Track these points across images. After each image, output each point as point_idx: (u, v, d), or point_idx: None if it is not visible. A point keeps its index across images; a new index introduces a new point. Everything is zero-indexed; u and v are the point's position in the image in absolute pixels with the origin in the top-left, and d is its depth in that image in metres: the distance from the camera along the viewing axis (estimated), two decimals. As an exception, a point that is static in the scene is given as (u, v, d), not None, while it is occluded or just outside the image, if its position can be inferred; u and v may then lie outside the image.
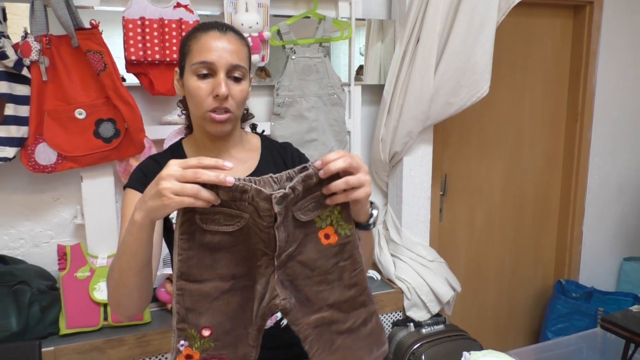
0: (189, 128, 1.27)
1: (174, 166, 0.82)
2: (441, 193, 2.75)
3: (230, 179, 0.82)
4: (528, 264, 3.16)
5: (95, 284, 1.87)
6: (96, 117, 1.83)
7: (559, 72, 3.03)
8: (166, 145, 1.95)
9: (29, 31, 1.71)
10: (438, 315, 2.27)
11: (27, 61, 1.71)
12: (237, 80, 1.11)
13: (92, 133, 1.84)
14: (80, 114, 1.81)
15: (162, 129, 1.99)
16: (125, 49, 1.83)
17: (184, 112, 1.26)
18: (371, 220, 1.03)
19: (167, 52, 1.86)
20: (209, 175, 0.81)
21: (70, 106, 1.80)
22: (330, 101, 2.19)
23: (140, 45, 1.83)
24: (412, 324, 2.18)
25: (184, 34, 1.87)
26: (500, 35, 2.16)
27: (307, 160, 1.30)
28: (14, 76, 1.71)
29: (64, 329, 1.80)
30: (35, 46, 1.70)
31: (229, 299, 0.92)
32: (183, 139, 1.28)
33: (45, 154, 1.81)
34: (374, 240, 1.11)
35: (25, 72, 1.72)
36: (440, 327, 2.18)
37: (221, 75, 1.08)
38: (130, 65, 1.86)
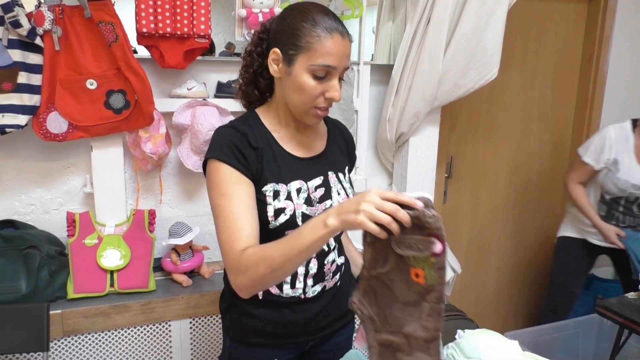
0: (262, 98, 1.27)
1: (375, 195, 0.90)
2: (446, 175, 2.77)
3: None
4: (530, 249, 3.18)
5: (103, 251, 1.92)
6: (107, 88, 1.86)
7: (571, 58, 3.01)
8: (176, 119, 1.98)
9: (42, 0, 1.73)
10: (437, 295, 2.30)
11: (40, 30, 1.73)
12: (340, 79, 1.16)
13: (103, 104, 1.87)
14: (91, 84, 1.84)
15: (171, 101, 2.01)
16: (137, 21, 1.84)
17: (246, 73, 1.24)
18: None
19: (178, 25, 1.87)
20: (403, 216, 0.87)
21: (82, 76, 1.82)
22: (339, 80, 2.19)
23: (151, 17, 1.84)
24: (410, 303, 2.21)
25: (195, 7, 1.87)
26: (512, 18, 2.15)
27: (353, 143, 1.45)
28: (27, 45, 1.74)
29: (71, 294, 1.85)
30: (48, 15, 1.72)
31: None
32: (257, 109, 1.27)
33: (56, 123, 1.84)
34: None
35: (38, 41, 1.74)
36: (438, 306, 2.22)
37: (336, 79, 1.13)
38: (141, 38, 1.88)
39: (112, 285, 1.91)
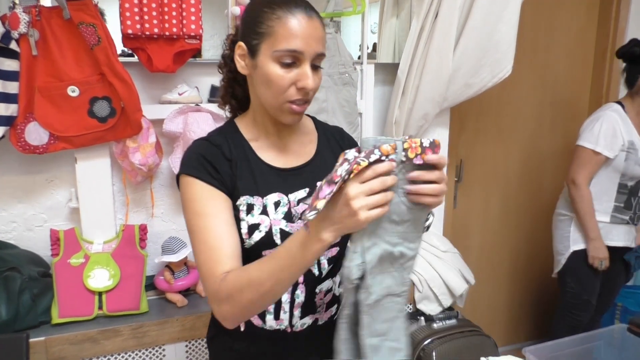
0: (240, 106, 1.17)
1: (355, 186, 0.82)
2: (456, 179, 2.63)
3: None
4: (544, 254, 3.03)
5: (90, 271, 1.79)
6: (90, 94, 1.72)
7: (584, 52, 2.88)
8: (167, 126, 1.85)
9: (16, 1, 1.60)
10: (450, 308, 2.17)
11: (15, 34, 1.60)
12: (317, 68, 1.03)
13: (86, 112, 1.73)
14: (73, 91, 1.70)
15: (161, 108, 1.88)
16: (122, 22, 1.71)
17: (223, 80, 1.16)
18: (425, 224, 0.97)
19: (167, 25, 1.73)
20: (392, 179, 0.83)
21: (63, 83, 1.69)
22: (341, 80, 2.05)
23: (137, 17, 1.70)
24: (422, 318, 2.07)
25: (184, 5, 1.74)
26: (521, 11, 2.01)
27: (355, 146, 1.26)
28: (1, 50, 1.60)
29: (56, 318, 1.72)
30: (23, 18, 1.59)
31: None
32: (236, 119, 1.16)
33: (36, 134, 1.70)
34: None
35: (13, 45, 1.61)
36: (453, 321, 2.08)
37: (307, 66, 0.99)
38: (127, 40, 1.74)
39: (100, 307, 1.77)
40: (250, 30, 1.01)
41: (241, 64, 1.05)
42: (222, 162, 1.05)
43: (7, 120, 1.65)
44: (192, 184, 1.03)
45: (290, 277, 0.91)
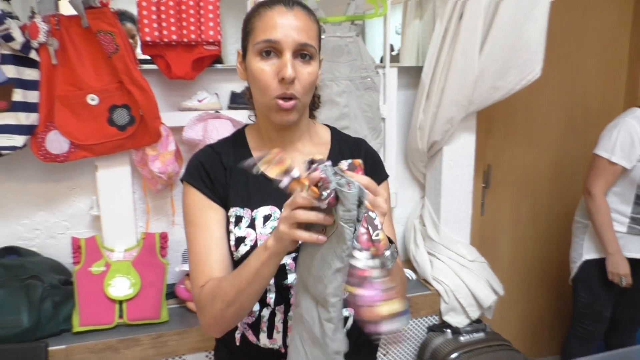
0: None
1: (286, 209, 0.83)
2: (483, 185, 2.55)
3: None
4: (577, 262, 2.93)
5: (111, 279, 1.78)
6: (110, 103, 1.72)
7: (617, 52, 2.76)
8: (186, 134, 1.84)
9: (36, 11, 1.60)
10: (478, 321, 2.09)
11: (35, 43, 1.60)
12: (306, 61, 0.98)
13: (106, 120, 1.73)
14: (92, 99, 1.70)
15: (181, 115, 1.86)
16: (140, 29, 1.70)
17: (250, 99, 1.13)
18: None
19: (185, 32, 1.72)
20: (317, 218, 0.80)
21: (82, 91, 1.69)
22: (363, 85, 2.01)
23: (155, 25, 1.69)
24: (449, 331, 2.00)
25: (202, 12, 1.72)
26: (551, 9, 1.93)
27: (380, 161, 1.18)
28: (21, 59, 1.61)
29: (77, 326, 1.71)
30: (43, 27, 1.59)
31: None
32: (246, 127, 1.16)
33: (57, 143, 1.71)
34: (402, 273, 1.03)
35: (33, 55, 1.62)
36: (481, 335, 2.00)
37: (287, 55, 0.96)
38: (145, 47, 1.74)
39: (121, 316, 1.76)
40: (242, 35, 1.03)
41: (240, 70, 1.06)
42: (218, 171, 1.05)
43: (28, 129, 1.65)
44: (189, 191, 1.05)
45: (249, 286, 0.90)
